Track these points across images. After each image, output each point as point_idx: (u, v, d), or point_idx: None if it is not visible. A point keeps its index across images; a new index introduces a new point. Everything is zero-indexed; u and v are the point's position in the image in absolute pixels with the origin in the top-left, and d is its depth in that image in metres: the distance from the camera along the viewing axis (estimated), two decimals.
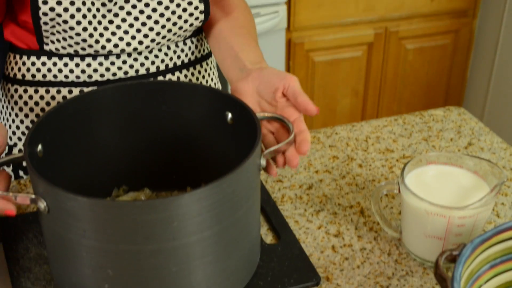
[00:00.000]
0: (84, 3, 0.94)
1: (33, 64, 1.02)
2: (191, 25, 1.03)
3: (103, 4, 0.96)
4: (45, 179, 0.68)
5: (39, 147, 0.77)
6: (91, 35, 0.97)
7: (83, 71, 1.02)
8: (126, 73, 1.03)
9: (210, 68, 1.17)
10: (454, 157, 0.86)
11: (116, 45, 0.99)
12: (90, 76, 1.02)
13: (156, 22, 1.00)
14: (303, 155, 0.80)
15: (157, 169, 0.93)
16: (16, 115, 1.07)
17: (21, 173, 1.10)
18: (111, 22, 0.98)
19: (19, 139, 1.09)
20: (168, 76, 1.07)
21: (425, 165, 0.86)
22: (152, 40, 1.01)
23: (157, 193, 0.94)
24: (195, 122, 0.89)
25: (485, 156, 1.05)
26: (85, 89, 1.02)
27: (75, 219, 0.68)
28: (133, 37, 1.00)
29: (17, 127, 1.08)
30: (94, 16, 0.96)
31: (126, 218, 0.66)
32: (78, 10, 0.94)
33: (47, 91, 1.03)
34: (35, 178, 0.70)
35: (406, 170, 0.83)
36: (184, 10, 1.01)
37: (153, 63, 1.04)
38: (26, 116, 1.06)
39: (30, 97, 1.04)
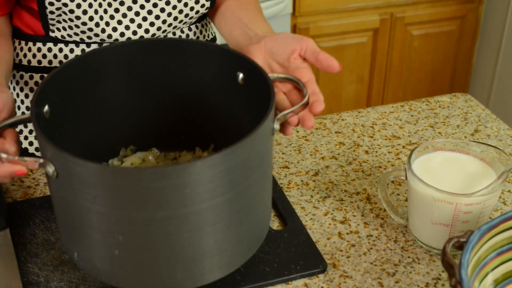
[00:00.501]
0: None
1: (39, 50, 1.02)
2: (197, 12, 1.02)
3: None
4: (53, 144, 0.66)
5: (46, 107, 0.75)
6: (97, 24, 0.96)
7: None
8: None
9: None
10: (461, 143, 0.86)
11: (122, 34, 0.99)
12: None
13: (163, 10, 0.99)
14: (316, 115, 0.78)
15: (166, 128, 0.91)
16: (22, 101, 1.07)
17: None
18: (117, 10, 0.97)
19: (25, 125, 1.09)
20: None
21: (432, 151, 0.86)
22: (158, 28, 1.01)
23: (165, 153, 0.93)
24: (205, 81, 0.87)
25: (492, 143, 1.05)
26: None
27: (84, 185, 0.66)
28: (140, 26, 0.99)
29: (23, 114, 1.08)
30: (100, 5, 0.96)
31: (137, 185, 0.65)
32: None
33: None
34: (43, 142, 0.68)
35: (413, 156, 0.83)
36: None
37: None
38: None
39: (36, 83, 1.04)
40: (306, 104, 0.78)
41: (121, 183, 0.65)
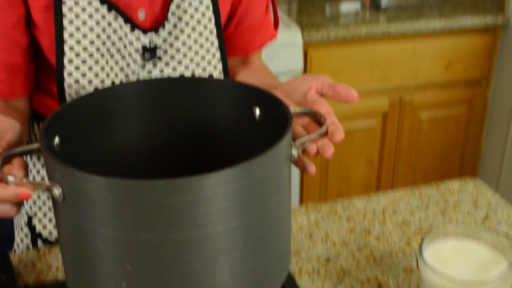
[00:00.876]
0: (108, 75, 0.96)
1: None
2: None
3: (127, 76, 0.99)
4: (60, 161, 0.64)
5: (56, 140, 0.74)
6: None
7: None
8: None
9: None
10: (471, 230, 0.86)
11: None
12: None
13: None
14: (337, 144, 0.77)
15: (180, 171, 0.87)
16: None
17: (39, 243, 1.11)
18: None
19: (39, 208, 1.10)
20: None
21: (443, 238, 0.86)
22: None
23: None
24: (221, 121, 0.85)
25: (503, 229, 1.05)
26: None
27: (92, 204, 0.63)
28: None
29: (38, 197, 1.09)
30: None
31: (147, 200, 0.61)
32: (102, 81, 0.96)
33: None
34: (51, 162, 0.65)
35: (424, 244, 0.83)
36: (204, 69, 1.02)
37: None
38: None
39: None
40: (326, 134, 0.77)
41: (130, 198, 0.61)
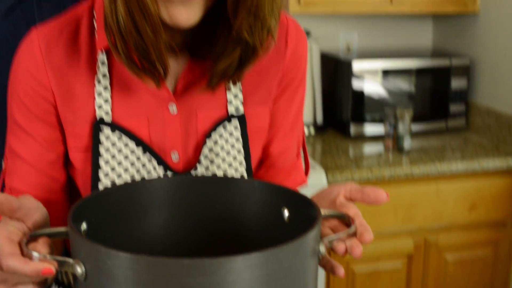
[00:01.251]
0: None
1: None
2: None
3: None
4: (85, 238, 0.64)
5: (84, 225, 0.74)
6: None
7: None
8: None
9: None
10: None
11: None
12: None
13: None
14: (365, 243, 0.77)
15: None
16: None
17: None
18: None
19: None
20: None
21: None
22: None
23: None
24: (250, 221, 0.85)
25: None
26: None
27: (114, 282, 0.62)
28: None
29: None
30: None
31: (170, 280, 0.59)
32: None
33: None
34: (76, 240, 0.66)
35: None
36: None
37: None
38: None
39: None
40: (354, 234, 0.78)
41: (152, 276, 0.60)
